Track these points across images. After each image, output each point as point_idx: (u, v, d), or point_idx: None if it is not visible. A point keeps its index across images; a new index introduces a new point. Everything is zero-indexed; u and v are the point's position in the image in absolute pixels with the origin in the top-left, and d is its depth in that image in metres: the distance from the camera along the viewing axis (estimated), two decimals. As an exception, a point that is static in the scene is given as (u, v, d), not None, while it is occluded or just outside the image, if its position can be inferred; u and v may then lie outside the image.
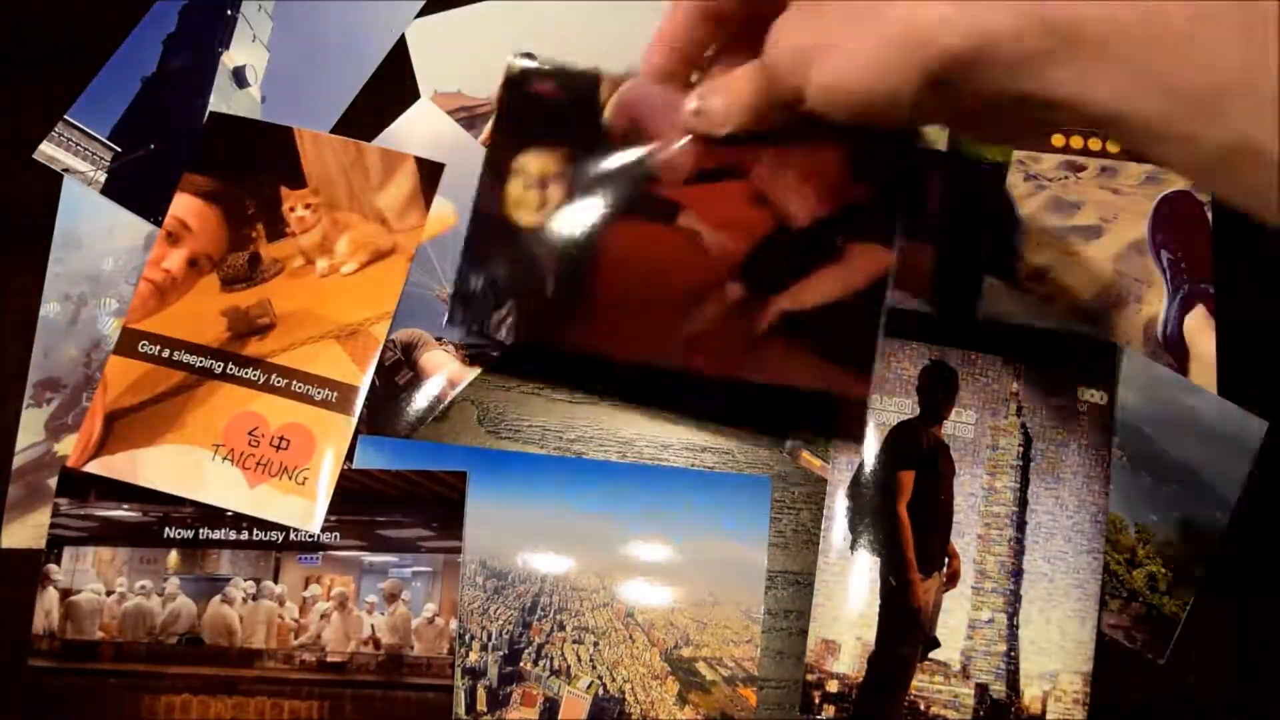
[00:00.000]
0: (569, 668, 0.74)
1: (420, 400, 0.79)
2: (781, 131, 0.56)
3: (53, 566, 0.75)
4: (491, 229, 0.67)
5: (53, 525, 0.76)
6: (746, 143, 0.58)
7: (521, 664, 0.74)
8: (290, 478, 0.76)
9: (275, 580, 0.75)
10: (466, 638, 0.75)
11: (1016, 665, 0.74)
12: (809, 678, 0.74)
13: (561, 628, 0.75)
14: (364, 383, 0.78)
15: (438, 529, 0.76)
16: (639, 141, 0.64)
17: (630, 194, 0.65)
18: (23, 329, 0.81)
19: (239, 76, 0.89)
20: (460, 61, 0.90)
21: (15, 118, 0.86)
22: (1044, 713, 0.73)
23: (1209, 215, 0.85)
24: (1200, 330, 0.82)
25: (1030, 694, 0.73)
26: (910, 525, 0.75)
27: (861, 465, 0.77)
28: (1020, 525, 0.76)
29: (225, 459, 0.76)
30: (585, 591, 0.76)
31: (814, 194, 0.62)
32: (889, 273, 0.63)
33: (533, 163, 0.67)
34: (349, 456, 0.77)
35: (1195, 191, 0.86)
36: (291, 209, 0.83)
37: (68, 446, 0.78)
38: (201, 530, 0.76)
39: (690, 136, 0.61)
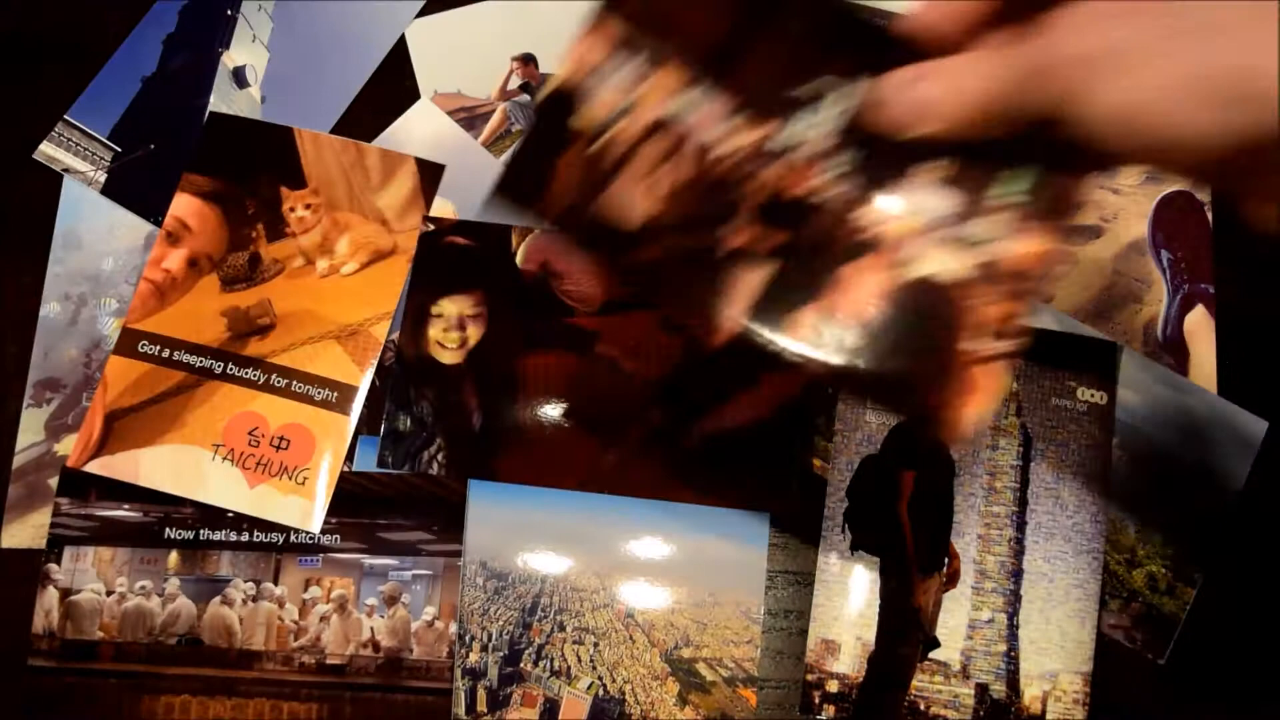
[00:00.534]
0: (569, 668, 0.74)
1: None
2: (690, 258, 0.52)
3: (53, 566, 0.75)
4: (415, 370, 0.71)
5: (53, 525, 0.76)
6: (656, 272, 0.54)
7: (522, 664, 0.74)
8: (290, 478, 0.75)
9: (275, 582, 0.75)
10: (467, 638, 0.75)
11: (1016, 665, 0.74)
12: (809, 678, 0.74)
13: (562, 628, 0.75)
14: (364, 383, 0.78)
15: (438, 532, 0.76)
16: (550, 280, 0.68)
17: (546, 327, 0.70)
18: (23, 329, 0.81)
19: (239, 76, 0.89)
20: (460, 61, 0.90)
21: (15, 118, 0.86)
22: (1044, 713, 0.73)
23: (1209, 215, 0.85)
24: (1200, 330, 0.82)
25: (1030, 694, 0.73)
26: (910, 525, 0.75)
27: (861, 465, 0.77)
28: (1020, 525, 0.76)
29: (225, 459, 0.76)
30: (585, 592, 0.76)
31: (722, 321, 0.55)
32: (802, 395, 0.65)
33: (451, 306, 0.74)
34: (349, 458, 0.77)
35: (1195, 191, 0.86)
36: (291, 209, 0.83)
37: (68, 446, 0.78)
38: (202, 531, 0.76)
39: (595, 270, 0.63)
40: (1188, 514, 0.77)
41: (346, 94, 0.88)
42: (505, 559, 0.76)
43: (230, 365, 0.78)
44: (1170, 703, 0.76)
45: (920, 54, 0.47)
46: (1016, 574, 0.75)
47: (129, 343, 0.79)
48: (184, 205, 0.83)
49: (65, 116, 0.86)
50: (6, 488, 0.78)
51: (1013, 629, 0.74)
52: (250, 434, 0.76)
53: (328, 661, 0.74)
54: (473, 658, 0.74)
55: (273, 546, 0.76)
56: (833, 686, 0.73)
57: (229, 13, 0.91)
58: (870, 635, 0.74)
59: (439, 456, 0.75)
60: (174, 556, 0.76)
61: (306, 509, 0.75)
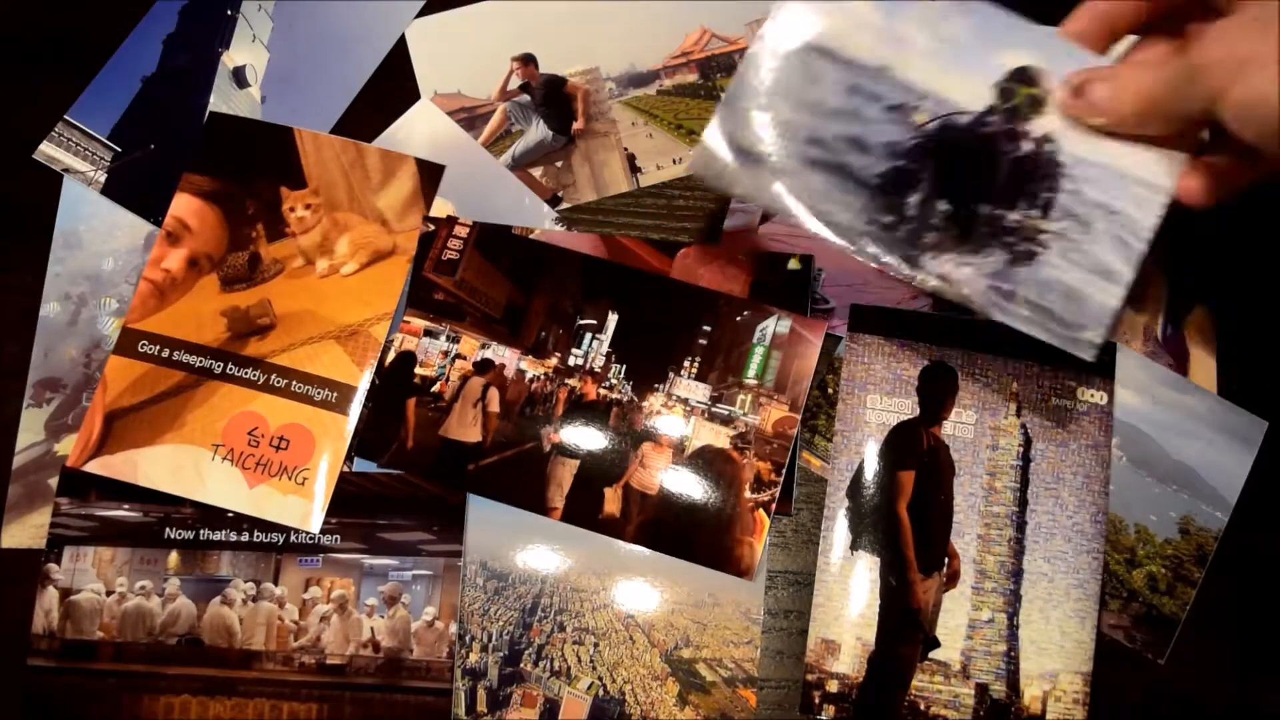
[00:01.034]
0: (569, 669, 0.74)
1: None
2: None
3: (53, 566, 0.75)
4: None
5: (53, 525, 0.76)
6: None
7: (522, 665, 0.74)
8: (290, 478, 0.75)
9: (275, 582, 0.75)
10: (467, 638, 0.75)
11: (1016, 665, 0.74)
12: (809, 678, 0.74)
13: (562, 629, 0.75)
14: (363, 383, 0.78)
15: (439, 532, 0.76)
16: None
17: None
18: (23, 329, 0.81)
19: (239, 76, 0.89)
20: (460, 61, 0.90)
21: (15, 118, 0.86)
22: (1044, 713, 0.73)
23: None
24: (1200, 330, 0.82)
25: (1030, 694, 0.73)
26: (910, 525, 0.75)
27: (861, 465, 0.77)
28: (1020, 525, 0.76)
29: (225, 459, 0.76)
30: (585, 592, 0.76)
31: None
32: None
33: None
34: (348, 458, 0.77)
35: (1195, 192, 0.86)
36: (291, 209, 0.83)
37: (68, 446, 0.78)
38: (202, 531, 0.76)
39: None
40: (1188, 514, 0.77)
41: (346, 94, 0.88)
42: (505, 559, 0.76)
43: (230, 365, 0.78)
44: (1170, 703, 0.76)
45: None
46: (1016, 574, 0.75)
47: (129, 343, 0.79)
48: (184, 205, 0.83)
49: (65, 116, 0.86)
50: (6, 488, 0.78)
51: (1013, 629, 0.74)
52: (250, 434, 0.76)
53: (328, 661, 0.74)
54: (473, 658, 0.74)
55: (273, 546, 0.76)
56: (833, 686, 0.73)
57: (229, 13, 0.91)
58: (870, 635, 0.74)
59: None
60: (174, 556, 0.76)
61: (306, 509, 0.75)
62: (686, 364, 0.77)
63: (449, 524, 0.76)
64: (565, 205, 0.84)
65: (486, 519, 0.76)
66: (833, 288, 0.82)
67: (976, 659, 0.74)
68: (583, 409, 0.77)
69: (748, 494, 0.75)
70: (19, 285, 0.82)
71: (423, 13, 0.91)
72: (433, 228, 0.82)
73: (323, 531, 0.75)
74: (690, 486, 0.75)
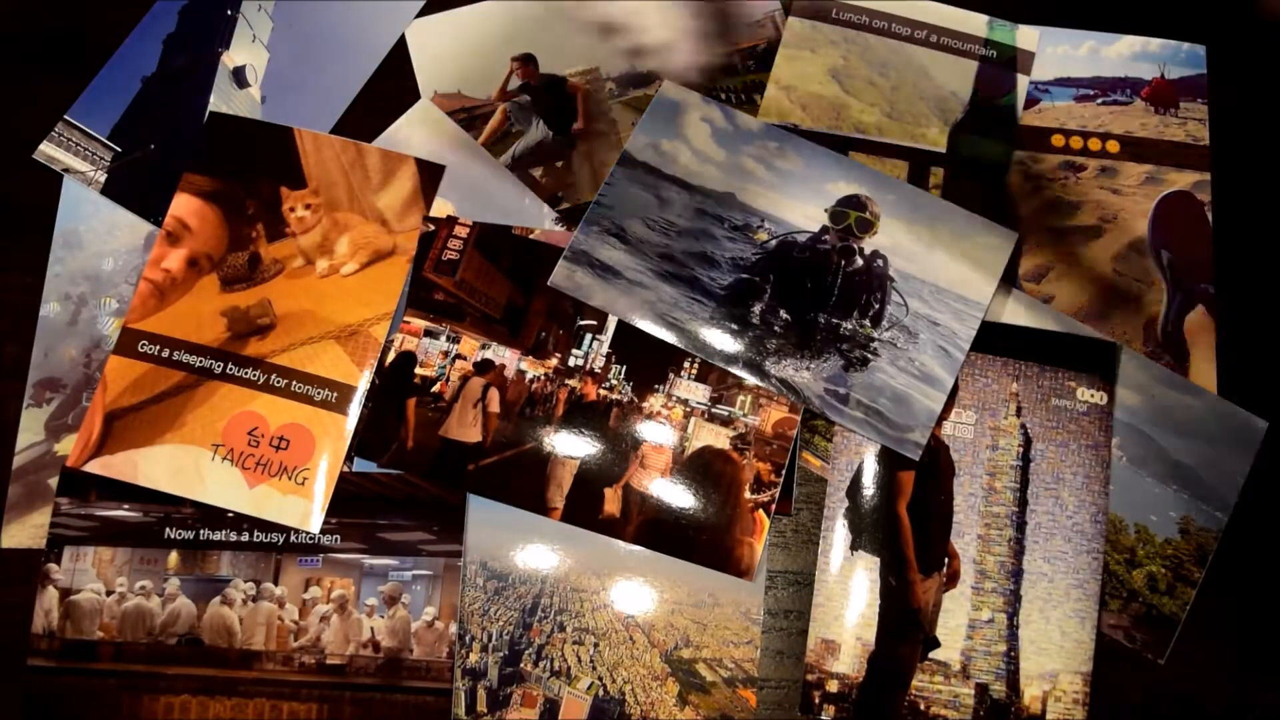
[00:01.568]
0: (569, 669, 0.74)
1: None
2: None
3: (53, 566, 0.75)
4: None
5: (53, 525, 0.76)
6: None
7: (522, 665, 0.74)
8: (290, 478, 0.75)
9: (275, 582, 0.75)
10: (467, 638, 0.75)
11: (1016, 665, 0.74)
12: (809, 678, 0.74)
13: (562, 629, 0.75)
14: (363, 383, 0.78)
15: (438, 532, 0.76)
16: None
17: None
18: (23, 329, 0.81)
19: (239, 76, 0.89)
20: (460, 61, 0.90)
21: (15, 118, 0.86)
22: (1044, 713, 0.73)
23: (1209, 215, 0.85)
24: (1200, 330, 0.82)
25: (1030, 694, 0.73)
26: (910, 525, 0.75)
27: (861, 465, 0.77)
28: (1020, 525, 0.76)
29: (225, 459, 0.76)
30: (585, 592, 0.76)
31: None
32: None
33: None
34: (348, 458, 0.77)
35: (1195, 192, 0.86)
36: (291, 209, 0.83)
37: (68, 446, 0.78)
38: (202, 531, 0.76)
39: None
40: (1188, 514, 0.77)
41: (346, 94, 0.88)
42: (505, 559, 0.76)
43: (230, 365, 0.78)
44: (1170, 703, 0.76)
45: None
46: (1016, 574, 0.75)
47: (129, 343, 0.79)
48: (184, 205, 0.83)
49: (65, 116, 0.86)
50: (6, 488, 0.78)
51: (1013, 629, 0.74)
52: (250, 434, 0.76)
53: (328, 661, 0.74)
54: (473, 658, 0.74)
55: (273, 546, 0.76)
56: (833, 686, 0.73)
57: (229, 13, 0.91)
58: (870, 635, 0.74)
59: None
60: (174, 556, 0.76)
61: (306, 509, 0.75)
62: (686, 365, 0.77)
63: (449, 524, 0.76)
64: (565, 205, 0.84)
65: (486, 519, 0.76)
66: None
67: (976, 659, 0.74)
68: (583, 409, 0.77)
69: (748, 494, 0.75)
70: (19, 285, 0.82)
71: (423, 13, 0.91)
72: (433, 228, 0.82)
73: (323, 531, 0.75)
74: (690, 487, 0.75)
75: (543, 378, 0.79)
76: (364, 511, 0.76)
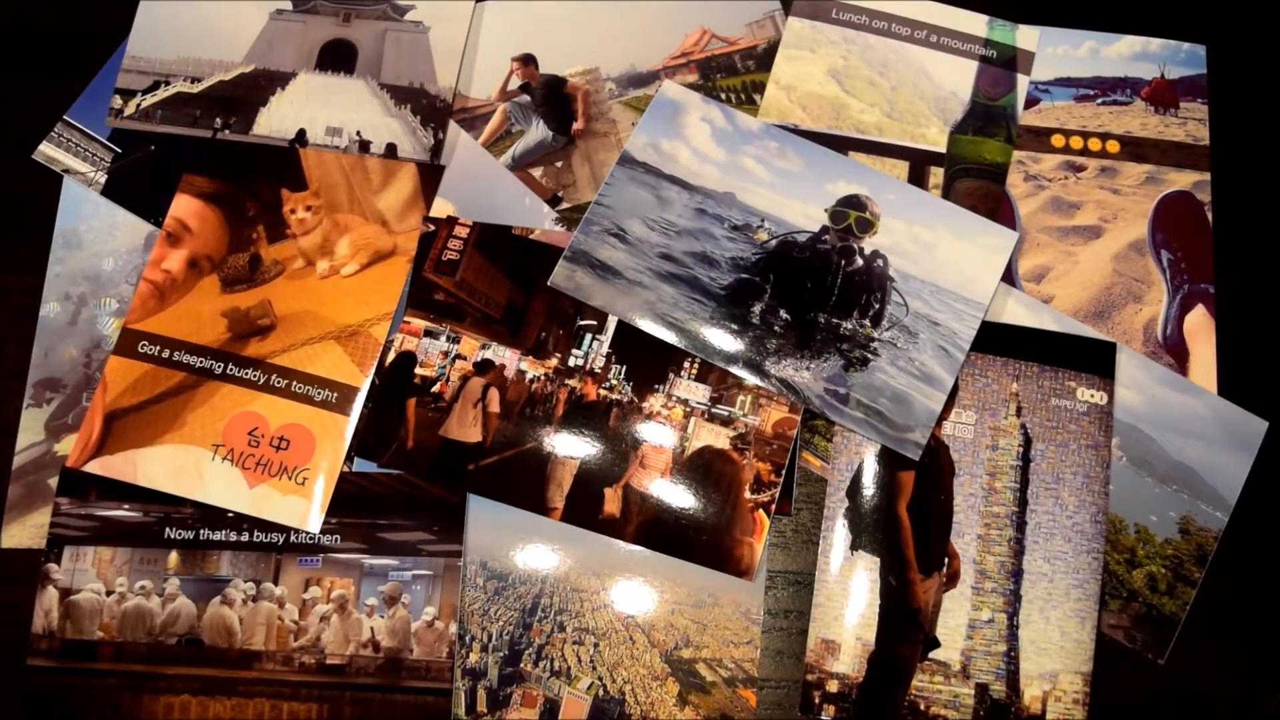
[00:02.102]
0: (569, 669, 0.74)
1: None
2: None
3: (53, 566, 0.75)
4: None
5: (53, 525, 0.76)
6: None
7: (522, 665, 0.74)
8: (290, 478, 0.75)
9: (275, 582, 0.75)
10: (467, 638, 0.75)
11: (1016, 665, 0.74)
12: (809, 678, 0.74)
13: (562, 629, 0.75)
14: (364, 383, 0.78)
15: (438, 532, 0.76)
16: None
17: None
18: (23, 329, 0.81)
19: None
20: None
21: (15, 118, 0.86)
22: (1044, 713, 0.73)
23: (1209, 215, 0.85)
24: (1200, 330, 0.82)
25: (1030, 694, 0.73)
26: (910, 525, 0.75)
27: (861, 465, 0.77)
28: (1020, 525, 0.76)
29: (225, 459, 0.76)
30: (585, 593, 0.76)
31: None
32: None
33: None
34: (348, 458, 0.77)
35: (1195, 192, 0.86)
36: (292, 211, 0.83)
37: (68, 446, 0.78)
38: (202, 531, 0.76)
39: None
40: (1188, 514, 0.77)
41: (346, 94, 0.88)
42: (505, 559, 0.76)
43: (230, 366, 0.78)
44: (1170, 703, 0.76)
45: None
46: (1016, 574, 0.75)
47: (129, 343, 0.79)
48: (184, 206, 0.83)
49: (65, 116, 0.86)
50: (6, 488, 0.78)
51: (1013, 629, 0.74)
52: (250, 434, 0.76)
53: (328, 661, 0.74)
54: (473, 658, 0.74)
55: (273, 546, 0.76)
56: (833, 686, 0.73)
57: (229, 13, 0.91)
58: (870, 635, 0.74)
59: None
60: (174, 556, 0.76)
61: (306, 509, 0.75)
62: (686, 365, 0.77)
63: (449, 524, 0.76)
64: (565, 205, 0.84)
65: (486, 519, 0.76)
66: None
67: (976, 659, 0.74)
68: (583, 409, 0.77)
69: (748, 494, 0.75)
70: (19, 285, 0.82)
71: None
72: (433, 228, 0.82)
73: (323, 531, 0.75)
74: (690, 487, 0.75)
75: (543, 378, 0.79)
76: (364, 511, 0.76)
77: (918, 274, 0.78)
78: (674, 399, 0.77)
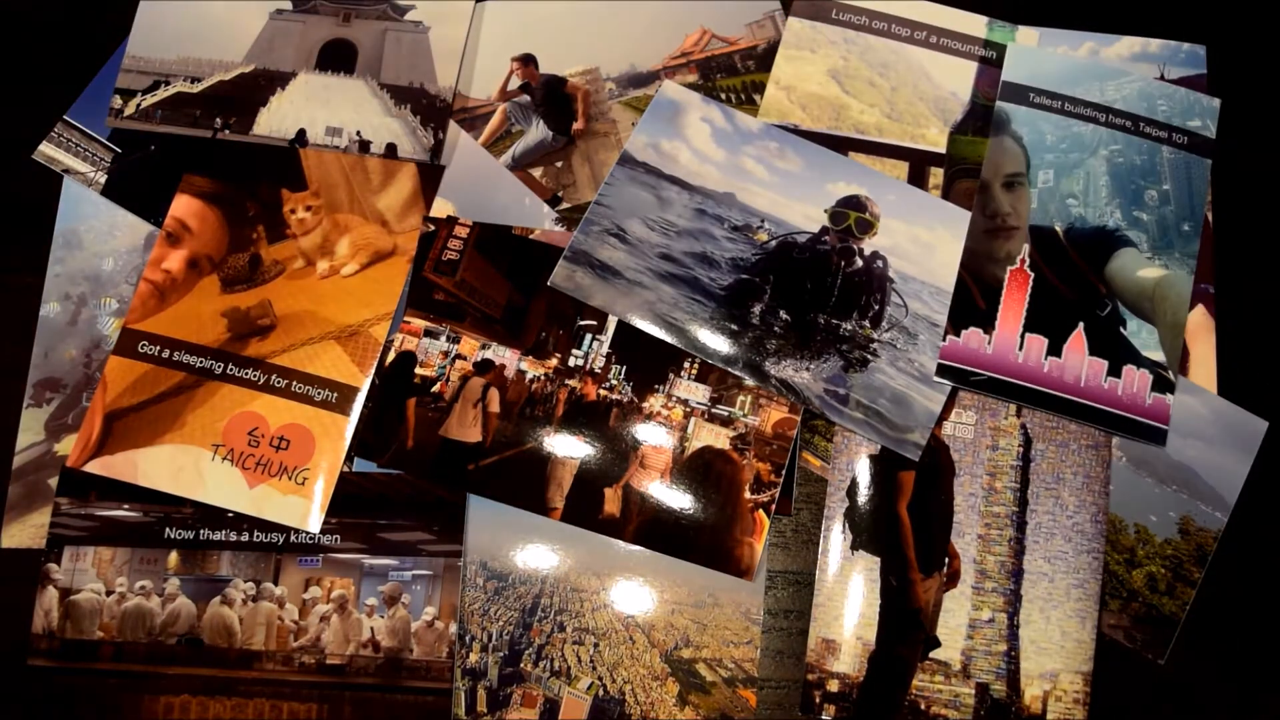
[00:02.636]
0: (569, 669, 0.74)
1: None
2: None
3: (53, 566, 0.75)
4: None
5: (53, 525, 0.76)
6: None
7: (522, 665, 0.74)
8: (290, 478, 0.75)
9: (275, 582, 0.75)
10: (467, 638, 0.75)
11: (1017, 665, 0.74)
12: (809, 678, 0.74)
13: (562, 629, 0.75)
14: (364, 384, 0.78)
15: (439, 532, 0.76)
16: None
17: None
18: (23, 329, 0.81)
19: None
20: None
21: (15, 118, 0.86)
22: (1044, 713, 0.73)
23: (1209, 215, 0.85)
24: (1200, 330, 0.82)
25: (1030, 694, 0.73)
26: (910, 525, 0.75)
27: (861, 465, 0.77)
28: (1020, 525, 0.76)
29: (225, 459, 0.76)
30: (585, 593, 0.76)
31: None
32: None
33: None
34: (348, 458, 0.77)
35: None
36: (292, 211, 0.83)
37: (68, 446, 0.78)
38: (202, 531, 0.76)
39: None
40: (1188, 514, 0.77)
41: (346, 94, 0.88)
42: (505, 559, 0.76)
43: (230, 366, 0.78)
44: (1170, 703, 0.76)
45: None
46: (1016, 574, 0.75)
47: (129, 343, 0.79)
48: (184, 206, 0.83)
49: (65, 117, 0.86)
50: (6, 488, 0.78)
51: (1013, 629, 0.74)
52: (250, 434, 0.76)
53: (328, 661, 0.74)
54: (473, 658, 0.74)
55: (273, 546, 0.76)
56: (833, 686, 0.73)
57: (229, 13, 0.91)
58: (870, 635, 0.74)
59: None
60: (174, 556, 0.76)
61: (306, 509, 0.75)
62: (686, 365, 0.77)
63: (449, 524, 0.76)
64: (565, 205, 0.85)
65: (486, 519, 0.76)
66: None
67: (977, 659, 0.74)
68: (583, 409, 0.77)
69: (748, 494, 0.75)
70: (19, 285, 0.82)
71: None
72: (433, 228, 0.82)
73: (323, 531, 0.75)
74: (690, 487, 0.75)
75: (543, 378, 0.79)
76: (364, 511, 0.76)
77: (917, 275, 0.78)
78: (674, 399, 0.77)
